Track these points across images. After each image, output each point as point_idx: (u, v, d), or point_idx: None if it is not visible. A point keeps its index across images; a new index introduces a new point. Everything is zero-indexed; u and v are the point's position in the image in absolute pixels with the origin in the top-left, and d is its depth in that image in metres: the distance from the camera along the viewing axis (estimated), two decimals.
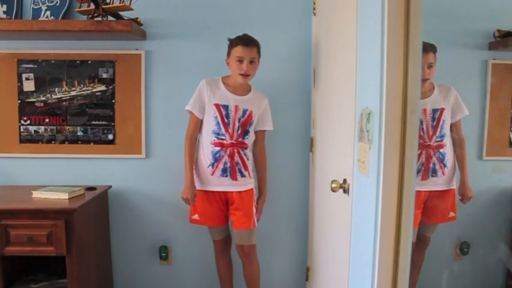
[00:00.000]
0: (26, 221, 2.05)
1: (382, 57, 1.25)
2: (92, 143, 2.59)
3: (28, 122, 2.57)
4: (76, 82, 2.55)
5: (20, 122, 2.57)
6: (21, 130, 2.58)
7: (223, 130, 2.25)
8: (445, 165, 2.01)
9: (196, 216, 2.33)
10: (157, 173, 2.60)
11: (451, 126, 2.03)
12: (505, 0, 2.04)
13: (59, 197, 2.21)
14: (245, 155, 2.29)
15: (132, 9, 2.23)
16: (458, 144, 2.05)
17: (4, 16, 2.45)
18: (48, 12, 2.45)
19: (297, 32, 2.53)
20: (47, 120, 2.57)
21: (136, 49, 2.53)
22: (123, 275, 2.68)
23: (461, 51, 2.12)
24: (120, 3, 2.21)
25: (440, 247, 2.21)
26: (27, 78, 2.55)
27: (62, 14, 2.45)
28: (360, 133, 1.47)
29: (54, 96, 2.56)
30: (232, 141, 2.26)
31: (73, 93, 2.56)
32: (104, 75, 2.55)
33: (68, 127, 2.58)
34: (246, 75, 2.20)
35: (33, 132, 2.58)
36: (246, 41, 2.19)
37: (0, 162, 2.60)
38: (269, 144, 2.48)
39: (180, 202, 2.30)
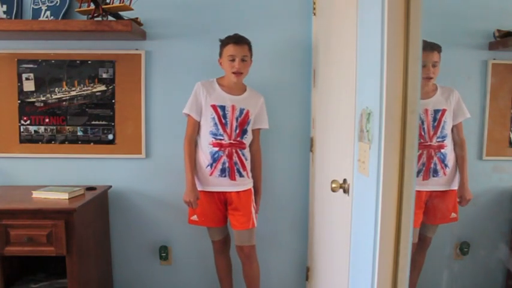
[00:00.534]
0: (26, 221, 2.05)
1: (382, 57, 1.25)
2: (92, 143, 2.59)
3: (28, 122, 2.57)
4: (76, 82, 2.55)
5: (20, 122, 2.57)
6: (21, 130, 2.58)
7: (221, 130, 2.25)
8: (446, 166, 2.01)
9: (195, 217, 2.33)
10: (157, 173, 2.60)
11: (452, 128, 2.03)
12: (505, 0, 2.04)
13: (59, 197, 2.21)
14: (243, 155, 2.30)
15: (132, 9, 2.23)
16: (459, 146, 2.05)
17: (4, 16, 2.45)
18: (48, 12, 2.45)
19: (297, 32, 2.53)
20: (47, 120, 2.57)
21: (136, 49, 2.53)
22: (123, 275, 2.68)
23: (461, 51, 2.11)
24: (120, 3, 2.21)
25: (440, 247, 2.20)
26: (27, 78, 2.55)
27: (62, 14, 2.45)
28: (359, 133, 1.47)
29: (54, 96, 2.56)
30: (231, 141, 2.26)
31: (73, 93, 2.56)
32: (104, 75, 2.55)
33: (68, 127, 2.58)
34: (238, 74, 2.21)
35: (33, 132, 2.58)
36: (237, 39, 2.20)
37: (0, 162, 2.60)
38: (269, 144, 2.48)
39: (180, 202, 2.30)
